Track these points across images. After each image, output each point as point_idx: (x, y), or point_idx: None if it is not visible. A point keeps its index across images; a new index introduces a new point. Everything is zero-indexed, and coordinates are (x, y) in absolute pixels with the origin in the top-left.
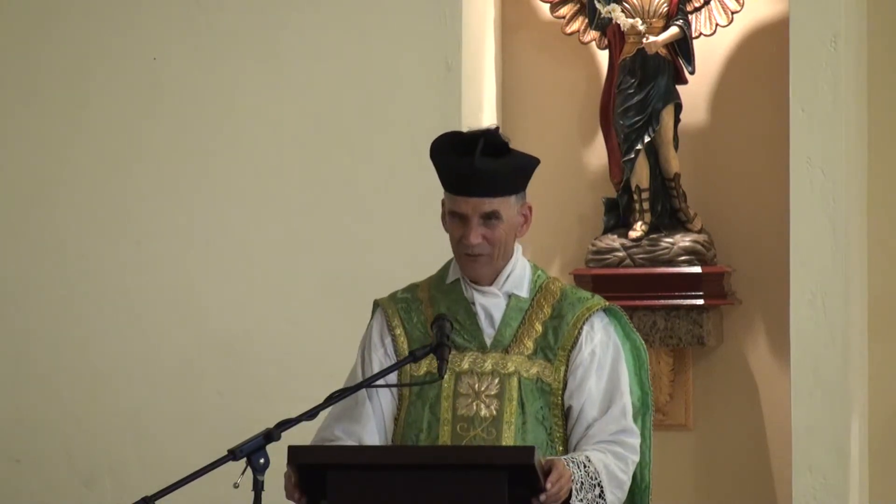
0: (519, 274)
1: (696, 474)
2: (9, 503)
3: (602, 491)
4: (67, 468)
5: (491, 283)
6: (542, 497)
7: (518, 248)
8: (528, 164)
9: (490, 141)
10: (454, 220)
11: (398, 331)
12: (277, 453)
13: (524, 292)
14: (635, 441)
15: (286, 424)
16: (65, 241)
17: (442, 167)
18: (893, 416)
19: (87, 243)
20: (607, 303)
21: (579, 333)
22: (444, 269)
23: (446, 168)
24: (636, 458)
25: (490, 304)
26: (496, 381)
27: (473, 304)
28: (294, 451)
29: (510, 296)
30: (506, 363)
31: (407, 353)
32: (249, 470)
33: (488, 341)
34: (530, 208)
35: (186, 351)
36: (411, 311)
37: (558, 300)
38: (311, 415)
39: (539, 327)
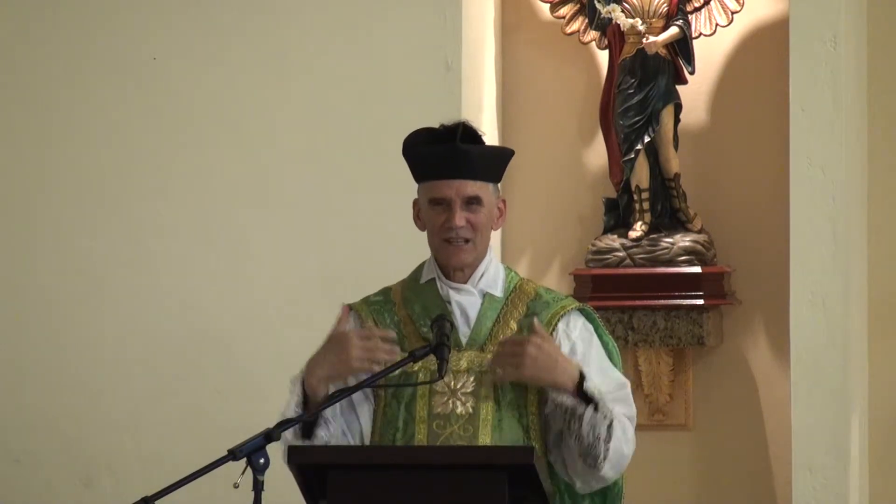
0: (493, 273)
1: (696, 474)
2: (9, 503)
3: (612, 426)
4: (67, 468)
5: (466, 281)
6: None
7: (491, 250)
8: (504, 153)
9: (467, 128)
10: (435, 208)
11: None
12: (278, 453)
13: (498, 292)
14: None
15: (286, 424)
16: (64, 241)
17: (422, 156)
18: (893, 416)
19: (87, 243)
20: (581, 304)
21: (554, 331)
22: (418, 271)
23: (427, 155)
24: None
25: (465, 302)
26: (472, 378)
27: (449, 302)
28: (294, 451)
29: (485, 294)
30: (481, 361)
31: None
32: (249, 470)
33: (464, 339)
34: (504, 202)
35: (186, 351)
36: (384, 312)
37: (533, 300)
38: (311, 415)
39: (514, 325)
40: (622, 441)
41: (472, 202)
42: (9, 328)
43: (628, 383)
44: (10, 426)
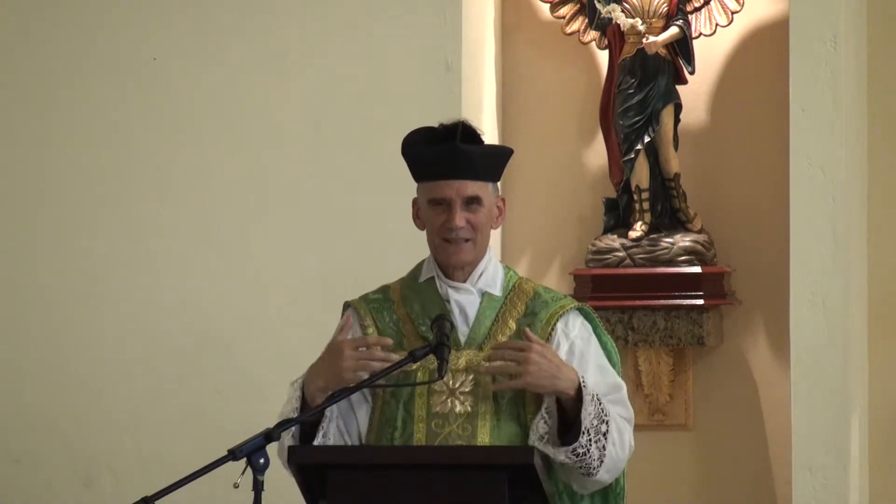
0: (492, 273)
1: (696, 474)
2: (9, 503)
3: (608, 430)
4: (67, 468)
5: (465, 280)
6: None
7: (490, 249)
8: (503, 152)
9: (467, 128)
10: (435, 208)
11: (371, 330)
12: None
13: (497, 291)
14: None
15: (286, 424)
16: (64, 241)
17: (421, 156)
18: (893, 416)
19: (87, 243)
20: (580, 304)
21: (553, 330)
22: (417, 269)
23: (427, 155)
24: (630, 449)
25: (464, 301)
26: (470, 377)
27: (448, 301)
28: (294, 451)
29: (483, 294)
30: (480, 360)
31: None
32: (249, 470)
33: (462, 338)
34: (504, 201)
35: (186, 351)
36: (383, 310)
37: (531, 299)
38: (311, 415)
39: (513, 325)
40: (617, 445)
41: (472, 202)
42: (9, 328)
43: (625, 385)
44: (10, 426)
